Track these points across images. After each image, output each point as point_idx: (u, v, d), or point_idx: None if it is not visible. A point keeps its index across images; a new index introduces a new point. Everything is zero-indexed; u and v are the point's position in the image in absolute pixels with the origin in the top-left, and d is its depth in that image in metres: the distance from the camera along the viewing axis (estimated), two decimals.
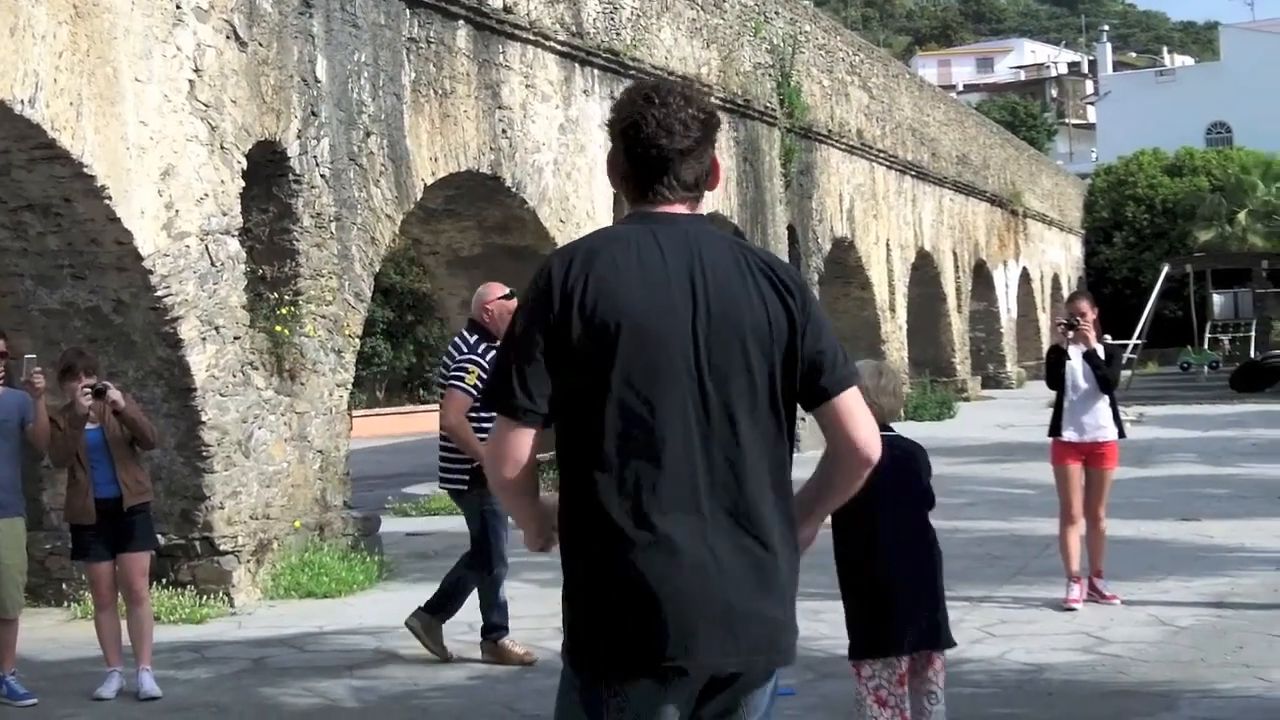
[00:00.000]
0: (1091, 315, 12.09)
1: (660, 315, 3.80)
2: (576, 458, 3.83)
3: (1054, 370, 12.13)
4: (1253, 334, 50.43)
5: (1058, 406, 12.15)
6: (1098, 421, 12.01)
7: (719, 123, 4.11)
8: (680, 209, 4.01)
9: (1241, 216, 61.33)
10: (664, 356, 3.80)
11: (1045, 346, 57.01)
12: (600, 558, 3.79)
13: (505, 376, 3.86)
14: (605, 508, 3.77)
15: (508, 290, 10.74)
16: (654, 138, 3.95)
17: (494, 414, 3.92)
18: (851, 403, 3.98)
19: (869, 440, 3.98)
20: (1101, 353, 12.02)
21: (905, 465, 6.71)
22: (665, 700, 3.79)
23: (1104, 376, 11.94)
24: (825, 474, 4.08)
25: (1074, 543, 11.96)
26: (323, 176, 15.02)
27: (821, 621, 9.39)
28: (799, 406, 3.97)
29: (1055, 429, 12.13)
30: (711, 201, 25.00)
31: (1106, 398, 12.03)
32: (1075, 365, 11.98)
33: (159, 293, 12.97)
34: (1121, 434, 12.28)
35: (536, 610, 11.46)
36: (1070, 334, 12.02)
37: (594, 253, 3.87)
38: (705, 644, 3.75)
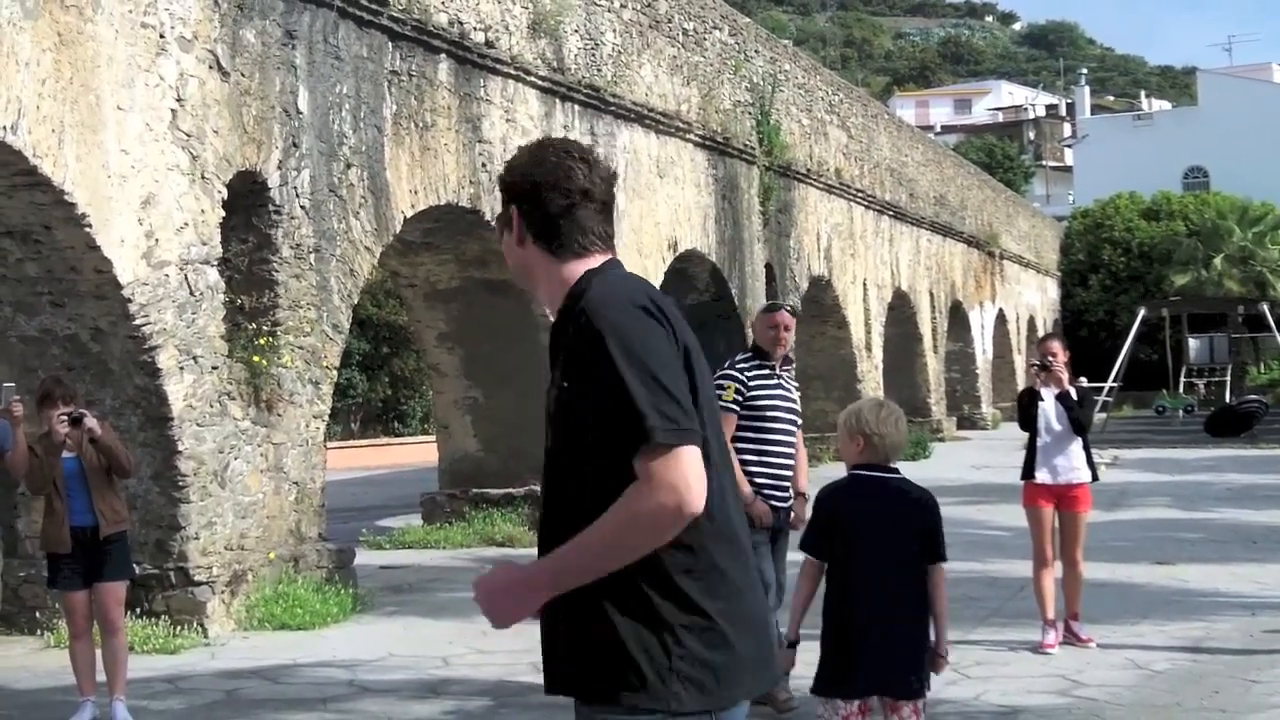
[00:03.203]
0: (1063, 357, 12.12)
1: None
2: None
3: (1026, 412, 12.15)
4: (1228, 379, 50.54)
5: (1030, 449, 12.16)
6: (1071, 464, 12.02)
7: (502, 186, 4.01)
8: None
9: (1218, 261, 61.51)
10: None
11: (1020, 389, 57.31)
12: (739, 591, 3.77)
13: (684, 400, 3.65)
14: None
15: (767, 303, 10.68)
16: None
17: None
18: None
19: None
20: (1074, 394, 12.06)
21: (896, 509, 6.62)
22: None
23: (1077, 419, 11.95)
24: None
25: (1048, 586, 11.97)
26: (303, 207, 15.02)
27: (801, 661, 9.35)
28: None
29: (1028, 471, 12.14)
30: (689, 239, 25.07)
31: (1079, 440, 12.05)
32: (1048, 407, 11.99)
33: (137, 321, 12.94)
34: (1095, 477, 12.28)
35: (510, 645, 11.42)
36: (1043, 375, 12.05)
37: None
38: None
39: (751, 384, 9.90)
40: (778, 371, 10.05)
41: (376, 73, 16.53)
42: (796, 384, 10.47)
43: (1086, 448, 12.16)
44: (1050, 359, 12.03)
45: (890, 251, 40.24)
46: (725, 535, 3.75)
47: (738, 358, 10.14)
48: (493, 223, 18.91)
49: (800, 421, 10.22)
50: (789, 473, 9.99)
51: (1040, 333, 61.96)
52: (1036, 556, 12.08)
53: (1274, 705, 9.78)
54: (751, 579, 3.84)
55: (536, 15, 20.13)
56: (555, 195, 3.83)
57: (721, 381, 9.77)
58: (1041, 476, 12.02)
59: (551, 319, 3.91)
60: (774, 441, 9.89)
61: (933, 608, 6.63)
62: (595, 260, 3.86)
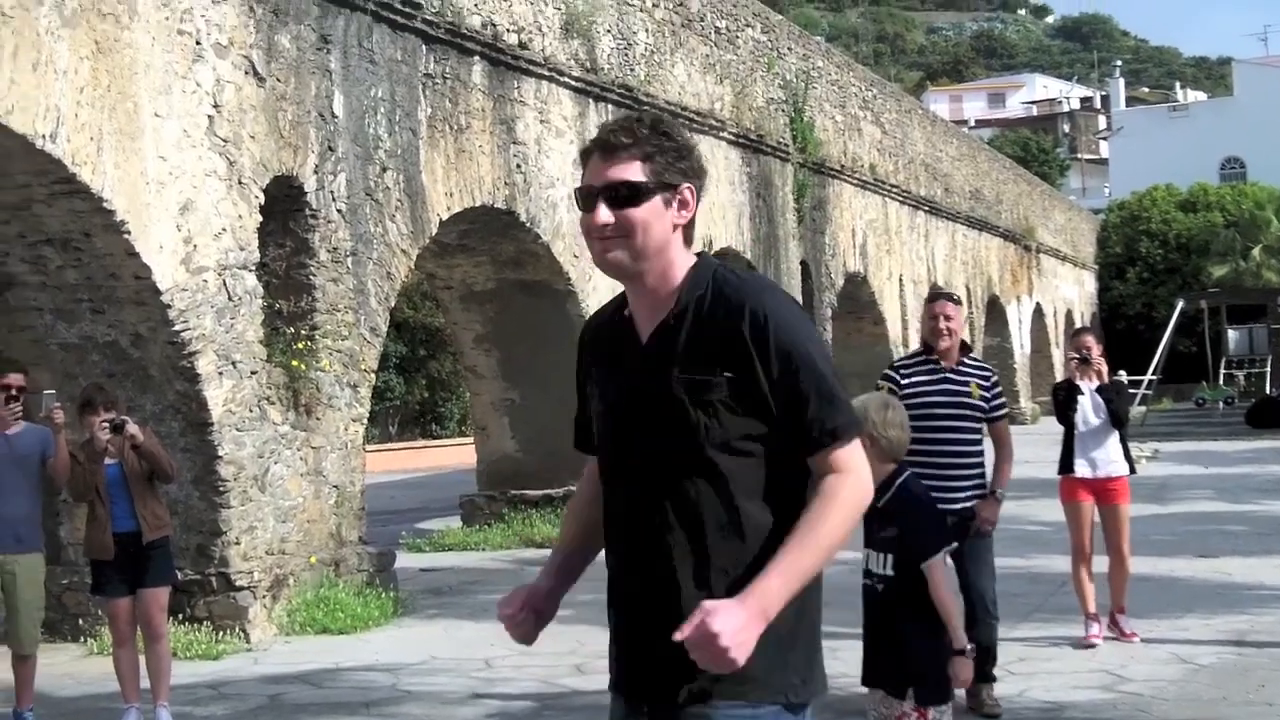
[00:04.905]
0: (1098, 350, 12.06)
1: None
2: (797, 490, 3.74)
3: (1064, 406, 12.07)
4: (1268, 370, 50.34)
5: (1068, 442, 12.10)
6: (1109, 457, 11.95)
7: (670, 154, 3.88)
8: None
9: (1256, 252, 61.22)
10: None
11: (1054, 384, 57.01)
12: (818, 597, 3.81)
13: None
14: None
15: (930, 292, 10.43)
16: None
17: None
18: None
19: None
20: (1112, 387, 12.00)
21: (895, 511, 6.62)
22: None
23: (1116, 411, 11.88)
24: None
25: (1088, 581, 11.92)
26: (339, 211, 15.05)
27: (837, 659, 9.34)
28: None
29: (1066, 465, 12.07)
30: (724, 236, 25.05)
31: (1117, 433, 11.98)
32: (1086, 401, 11.93)
33: (177, 327, 12.99)
34: (1132, 469, 12.21)
35: (553, 648, 11.44)
36: (1082, 368, 11.97)
37: None
38: None
39: (906, 382, 9.68)
40: (944, 365, 9.72)
41: (411, 76, 16.55)
42: (988, 373, 9.97)
43: (1124, 440, 12.10)
44: (1086, 352, 11.97)
45: (926, 247, 40.15)
46: None
47: (903, 356, 10.03)
48: (527, 224, 18.92)
49: (990, 414, 9.80)
50: (957, 473, 9.52)
51: (1078, 326, 61.87)
52: (1075, 551, 12.03)
53: None
54: None
55: (569, 16, 20.13)
56: (702, 184, 3.84)
57: (879, 381, 9.72)
58: (1080, 470, 11.96)
59: (639, 307, 3.82)
60: (934, 440, 9.40)
61: (942, 609, 6.65)
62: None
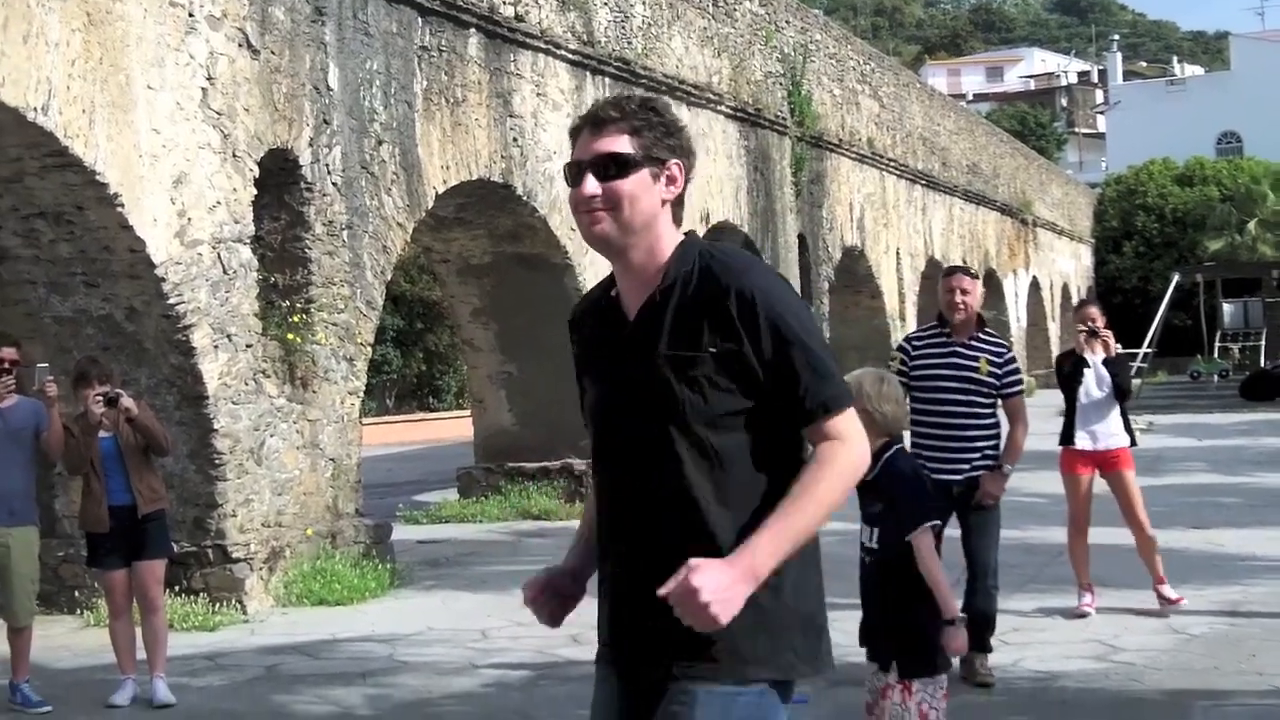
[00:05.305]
0: (1102, 321, 12.04)
1: None
2: (787, 461, 3.74)
3: (1070, 379, 12.05)
4: (1263, 343, 50.28)
5: (1069, 414, 12.10)
6: (1110, 429, 11.94)
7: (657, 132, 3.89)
8: None
9: (1252, 226, 61.18)
10: None
11: (1056, 355, 57.07)
12: (818, 571, 3.84)
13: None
14: None
15: (946, 266, 10.40)
16: None
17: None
18: None
19: None
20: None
21: (882, 485, 6.58)
22: None
23: (1121, 384, 11.87)
24: None
25: (1082, 552, 11.93)
26: (334, 184, 15.03)
27: (835, 630, 9.36)
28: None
29: (1067, 437, 12.08)
30: (722, 210, 25.03)
31: (1118, 406, 11.98)
32: (1091, 373, 11.91)
33: (171, 300, 12.98)
34: (1133, 441, 12.22)
35: None
36: (1090, 340, 11.93)
37: None
38: None
39: (916, 354, 9.73)
40: (955, 340, 9.69)
41: (406, 48, 16.53)
42: (1002, 349, 9.86)
43: (1124, 413, 12.10)
44: (1093, 323, 11.94)
45: (923, 221, 40.14)
46: None
47: (919, 328, 10.05)
48: (524, 197, 18.90)
49: (1002, 389, 9.72)
50: (962, 445, 9.53)
51: (1075, 301, 61.84)
52: (1071, 522, 12.05)
53: None
54: None
55: None
56: (691, 164, 3.85)
57: (893, 352, 9.74)
58: (1081, 442, 11.94)
59: (626, 285, 3.84)
60: (938, 413, 9.52)
61: (930, 580, 6.64)
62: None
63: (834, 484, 3.61)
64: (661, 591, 3.48)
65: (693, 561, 3.46)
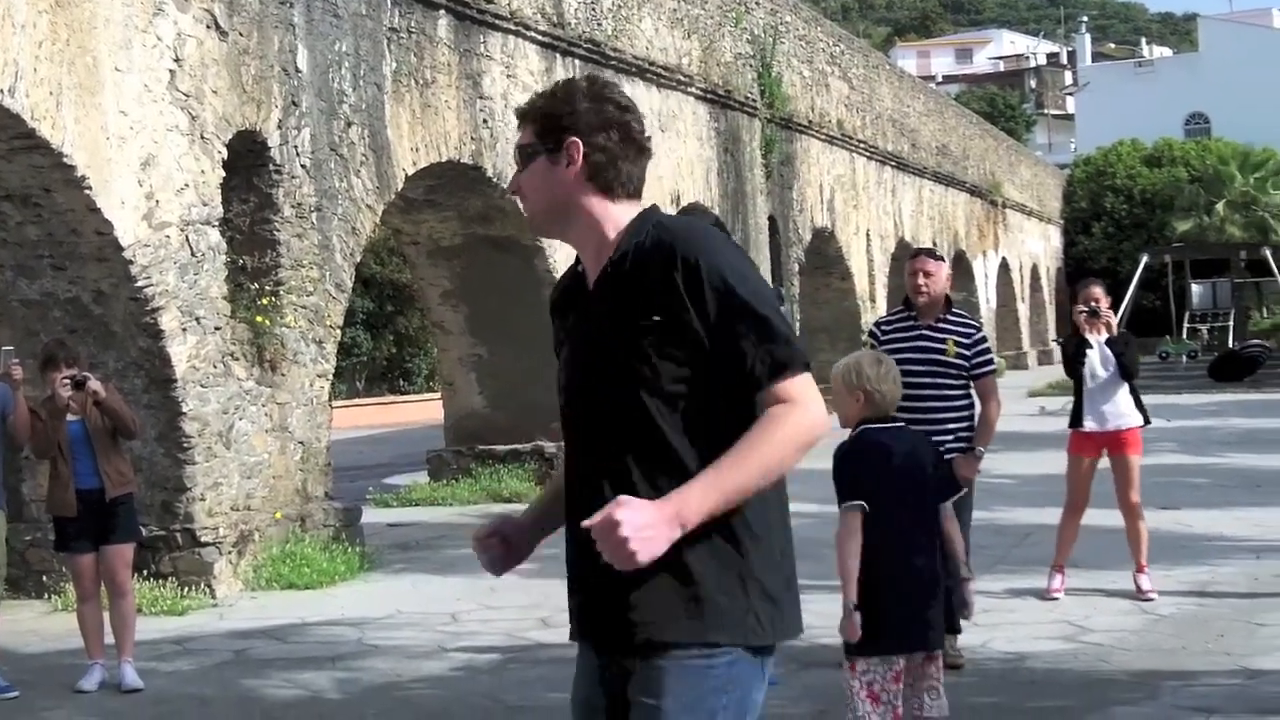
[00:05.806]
0: (1105, 301, 11.94)
1: None
2: (744, 428, 3.65)
3: (1073, 360, 11.96)
4: (1231, 324, 50.53)
5: (1077, 397, 12.05)
6: (1118, 410, 11.80)
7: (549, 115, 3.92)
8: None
9: (1220, 207, 61.39)
10: None
11: (1025, 337, 57.40)
12: (783, 536, 3.81)
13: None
14: None
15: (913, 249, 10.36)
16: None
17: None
18: None
19: None
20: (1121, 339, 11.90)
21: (911, 459, 6.62)
22: None
23: (1125, 363, 11.75)
24: None
25: (1071, 534, 11.89)
26: (303, 167, 14.98)
27: (807, 611, 9.37)
28: None
29: (1076, 419, 12.02)
30: (692, 192, 25.02)
31: (1126, 385, 11.91)
32: (1095, 353, 11.78)
33: (139, 283, 12.93)
34: (1146, 420, 12.09)
35: (518, 601, 11.49)
36: (1091, 321, 11.84)
37: None
38: None
39: (885, 338, 9.68)
40: (921, 322, 9.64)
41: (375, 30, 16.47)
42: (971, 330, 9.76)
43: (1134, 392, 12.01)
44: (1094, 304, 11.86)
45: (893, 202, 40.19)
46: None
47: (888, 312, 10.00)
48: (494, 179, 18.87)
49: (972, 370, 9.61)
50: (932, 428, 9.11)
51: (1045, 282, 62.13)
52: (1068, 502, 11.99)
53: (1279, 648, 9.80)
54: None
55: None
56: (614, 134, 3.80)
57: (864, 338, 9.73)
58: (1088, 424, 11.84)
59: (585, 260, 3.87)
60: (907, 396, 9.11)
61: (951, 544, 6.67)
62: (639, 206, 3.84)
63: (778, 443, 3.55)
64: (585, 524, 3.48)
65: (620, 498, 3.46)
